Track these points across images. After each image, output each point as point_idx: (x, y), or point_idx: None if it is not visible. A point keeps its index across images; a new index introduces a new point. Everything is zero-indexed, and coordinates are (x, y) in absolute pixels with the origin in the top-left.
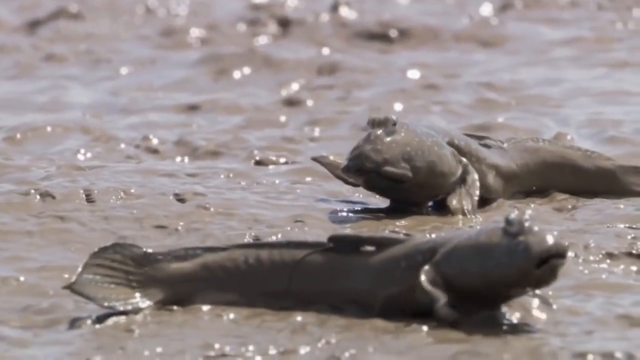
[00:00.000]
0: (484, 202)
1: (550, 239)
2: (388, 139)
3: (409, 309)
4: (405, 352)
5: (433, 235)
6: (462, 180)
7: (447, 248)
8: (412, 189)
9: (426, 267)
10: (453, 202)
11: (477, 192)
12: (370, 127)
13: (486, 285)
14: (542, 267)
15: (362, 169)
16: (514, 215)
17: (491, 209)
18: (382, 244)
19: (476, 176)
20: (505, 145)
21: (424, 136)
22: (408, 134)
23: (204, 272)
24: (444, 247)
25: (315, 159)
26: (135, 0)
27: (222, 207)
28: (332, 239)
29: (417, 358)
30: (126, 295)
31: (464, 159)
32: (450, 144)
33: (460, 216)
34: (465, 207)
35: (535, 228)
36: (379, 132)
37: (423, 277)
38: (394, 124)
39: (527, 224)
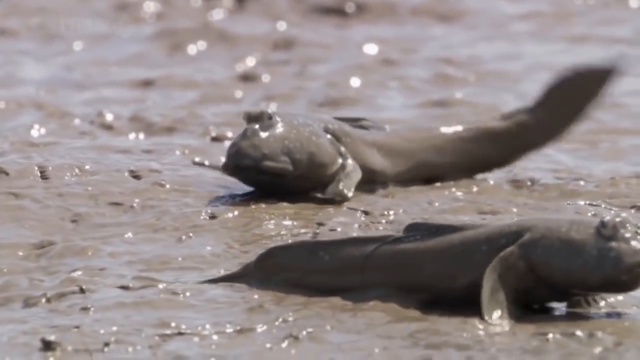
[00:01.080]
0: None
1: None
2: (265, 133)
3: None
4: (363, 331)
5: (516, 220)
6: (342, 167)
7: (534, 233)
8: (292, 181)
9: (510, 249)
10: (329, 189)
11: (357, 176)
12: (246, 122)
13: (567, 282)
14: (629, 274)
15: (240, 166)
16: (608, 217)
17: (434, 188)
18: (461, 229)
19: (353, 161)
20: (386, 126)
21: (301, 127)
22: (285, 127)
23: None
24: (530, 231)
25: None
26: None
27: (178, 183)
28: (410, 227)
29: (375, 336)
30: None
31: (342, 148)
32: (326, 129)
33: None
34: (341, 192)
35: (629, 236)
36: (256, 127)
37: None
38: (270, 118)
39: (621, 230)
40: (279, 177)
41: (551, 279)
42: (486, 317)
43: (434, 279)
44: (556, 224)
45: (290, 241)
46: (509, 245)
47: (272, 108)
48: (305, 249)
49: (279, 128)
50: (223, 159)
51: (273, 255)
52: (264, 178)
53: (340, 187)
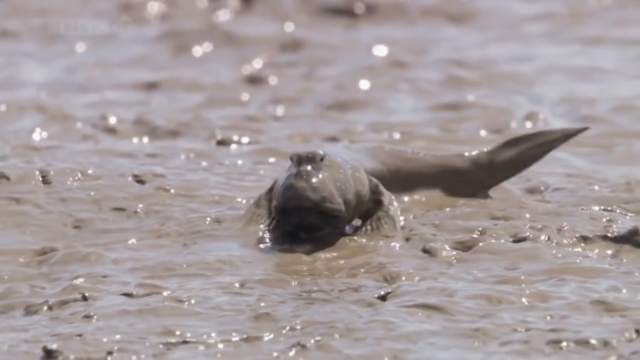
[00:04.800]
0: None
1: None
2: (320, 175)
3: None
4: (372, 340)
5: None
6: (376, 202)
7: None
8: (340, 222)
9: None
10: (384, 229)
11: (398, 214)
12: (296, 163)
13: None
14: None
15: (302, 207)
16: None
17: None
18: None
19: (390, 197)
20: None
21: (345, 165)
22: (335, 168)
23: None
24: None
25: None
26: None
27: (183, 188)
28: None
29: (385, 346)
30: None
31: (374, 179)
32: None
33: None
34: (394, 229)
35: None
36: (309, 168)
37: None
38: (322, 160)
39: None
40: (333, 219)
41: None
42: None
43: None
44: None
45: None
46: None
47: (279, 111)
48: None
49: (330, 169)
50: (275, 202)
51: None
52: (320, 219)
53: (386, 228)
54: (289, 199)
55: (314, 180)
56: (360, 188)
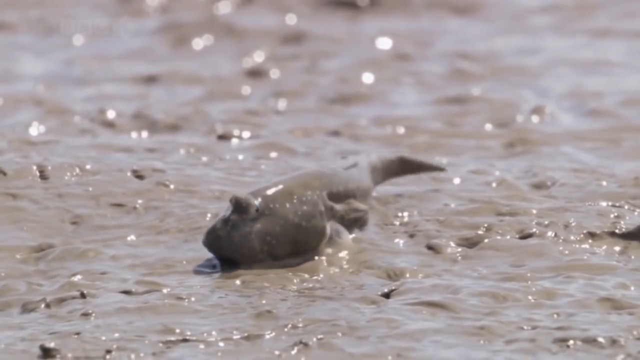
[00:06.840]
0: None
1: None
2: (246, 229)
3: None
4: (376, 338)
5: None
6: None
7: None
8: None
9: None
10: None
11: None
12: (230, 210)
13: None
14: None
15: (219, 256)
16: None
17: (450, 189)
18: None
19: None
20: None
21: (290, 215)
22: (271, 220)
23: None
24: None
25: None
26: None
27: (183, 183)
28: None
29: (388, 345)
30: None
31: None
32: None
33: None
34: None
35: None
36: (238, 218)
37: None
38: (257, 211)
39: None
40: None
41: None
42: None
43: None
44: None
45: None
46: None
47: (281, 105)
48: None
49: (265, 221)
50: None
51: None
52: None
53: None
54: (209, 244)
55: (236, 233)
56: (302, 239)
